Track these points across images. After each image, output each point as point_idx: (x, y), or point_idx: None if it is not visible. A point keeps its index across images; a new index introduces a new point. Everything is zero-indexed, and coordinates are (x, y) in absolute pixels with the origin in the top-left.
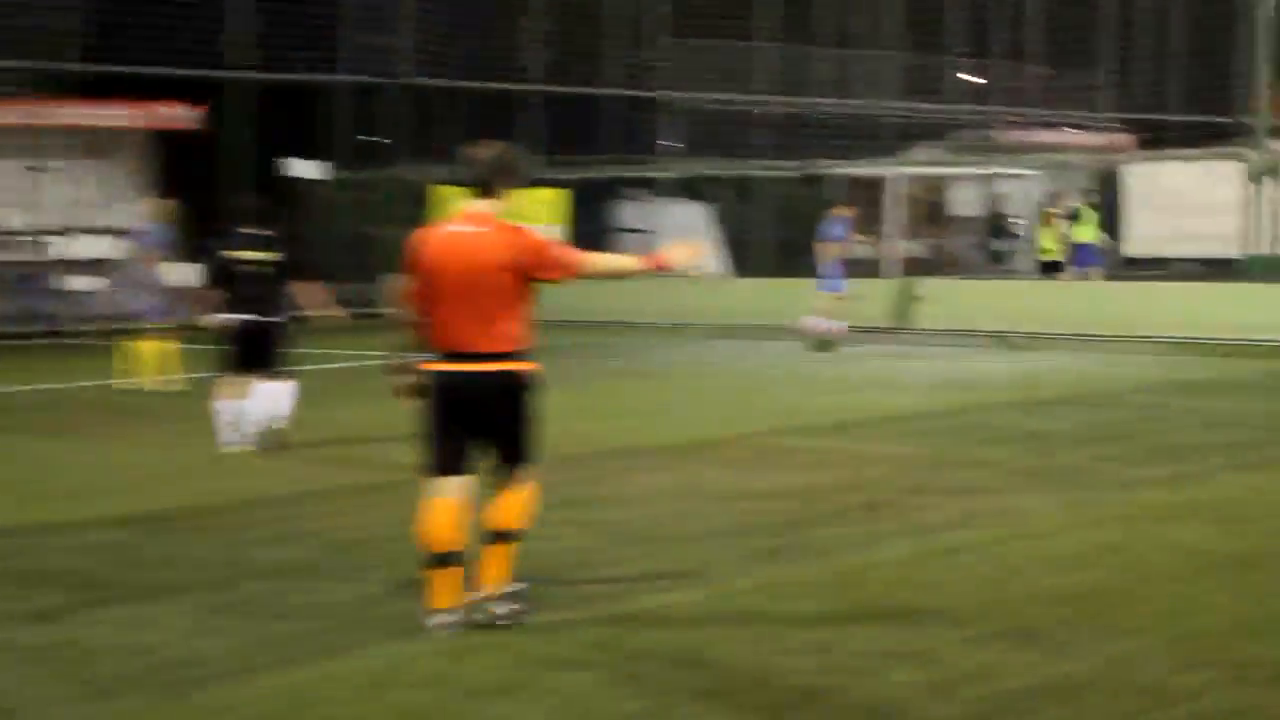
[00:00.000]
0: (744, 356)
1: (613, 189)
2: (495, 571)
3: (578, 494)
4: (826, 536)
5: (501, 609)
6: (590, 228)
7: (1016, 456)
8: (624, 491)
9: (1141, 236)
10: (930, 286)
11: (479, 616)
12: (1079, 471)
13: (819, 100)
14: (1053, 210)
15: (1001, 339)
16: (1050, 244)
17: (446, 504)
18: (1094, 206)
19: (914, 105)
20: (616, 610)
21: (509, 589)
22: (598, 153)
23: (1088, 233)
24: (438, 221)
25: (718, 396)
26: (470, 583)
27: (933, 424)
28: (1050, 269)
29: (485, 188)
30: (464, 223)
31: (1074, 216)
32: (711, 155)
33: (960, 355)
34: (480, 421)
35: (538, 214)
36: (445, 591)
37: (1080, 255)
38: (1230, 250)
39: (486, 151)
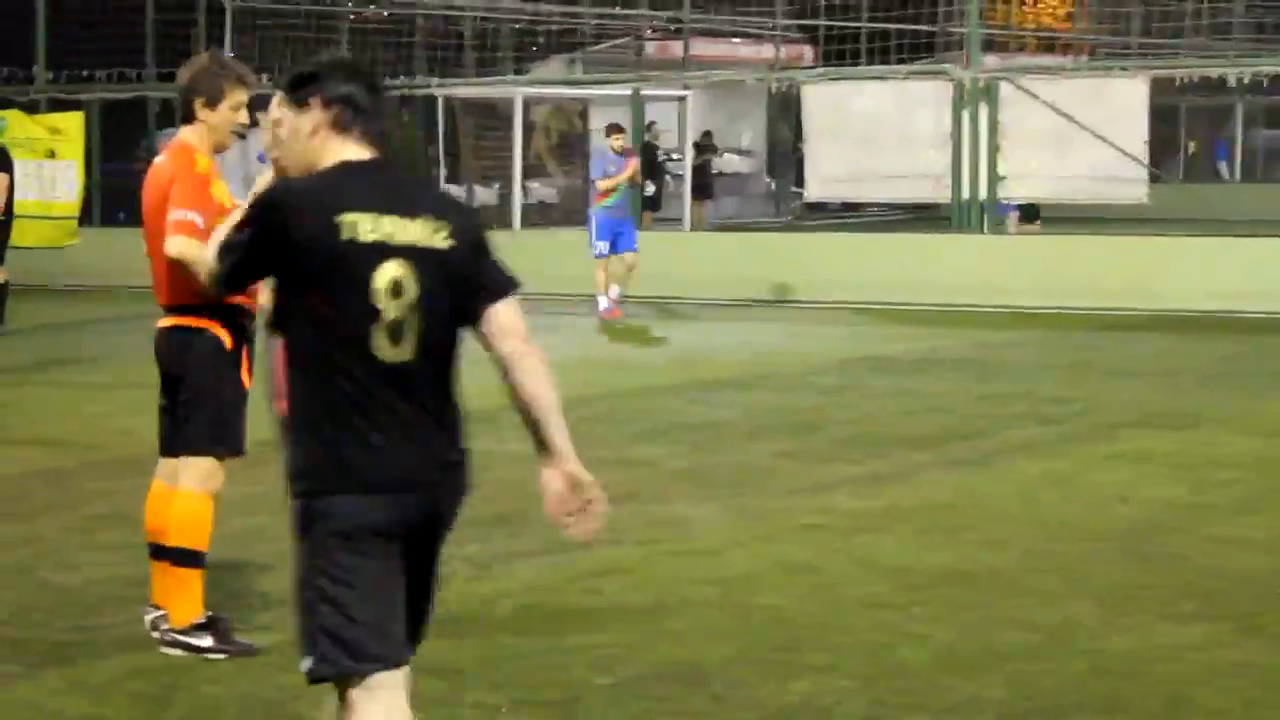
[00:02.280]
0: None
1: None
2: (169, 595)
3: (127, 509)
4: (445, 557)
5: (199, 640)
6: (121, 165)
7: (677, 454)
8: None
9: (826, 176)
10: (567, 240)
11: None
12: (754, 471)
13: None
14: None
15: (659, 306)
16: None
17: (155, 488)
18: None
19: (541, 8)
20: (160, 663)
21: (197, 621)
22: (132, 65)
23: None
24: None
25: None
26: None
27: (571, 414)
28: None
29: (184, 108)
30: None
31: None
32: (284, 68)
33: (607, 327)
34: (164, 388)
35: (47, 145)
36: (154, 586)
37: None
38: (934, 193)
39: (184, 68)
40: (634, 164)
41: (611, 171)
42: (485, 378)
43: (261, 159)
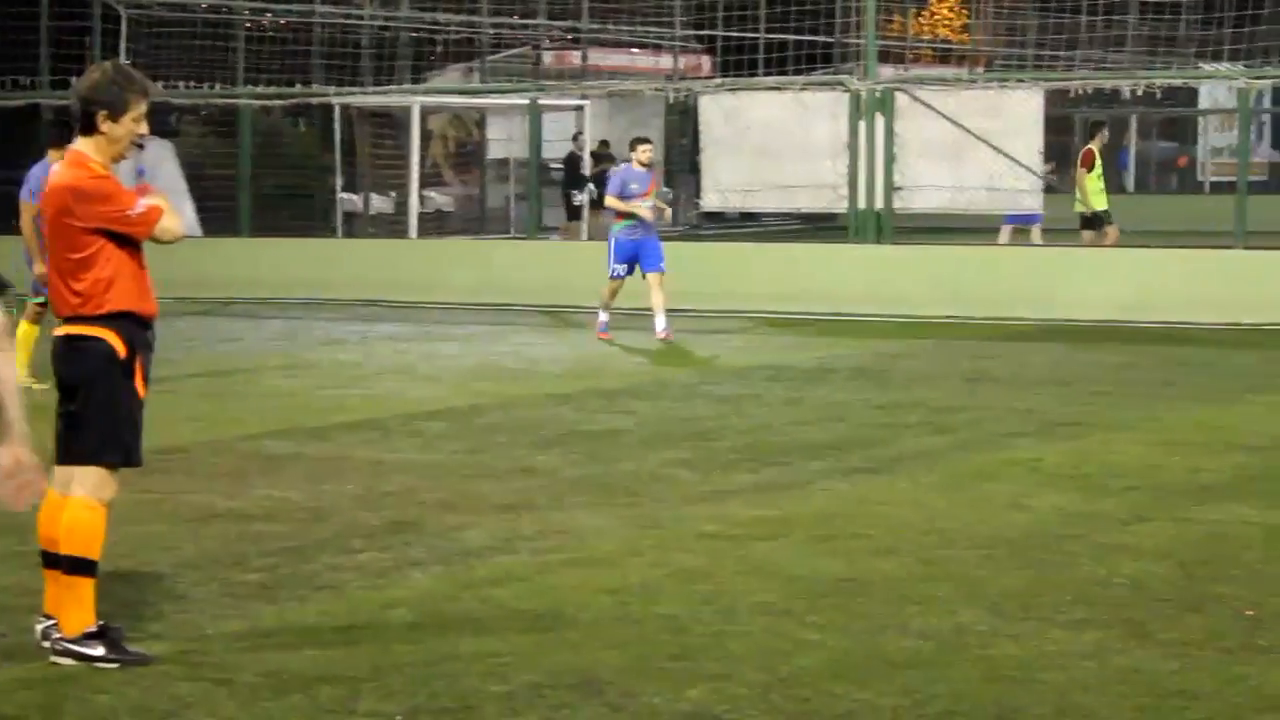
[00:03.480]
0: (229, 338)
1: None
2: (61, 604)
3: (20, 517)
4: (335, 566)
5: (91, 650)
6: (13, 174)
7: (572, 463)
8: None
9: (723, 185)
10: (463, 249)
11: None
12: (648, 480)
13: (319, 8)
14: None
15: (556, 315)
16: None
17: (50, 496)
18: None
19: (439, 17)
20: (52, 673)
21: (89, 630)
22: (25, 72)
23: None
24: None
25: (192, 390)
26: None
27: (467, 423)
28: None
29: (83, 119)
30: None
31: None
32: (179, 76)
33: (504, 335)
34: (62, 397)
35: None
36: (46, 595)
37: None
38: (831, 203)
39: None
40: (656, 182)
41: (634, 190)
42: (371, 388)
43: (142, 173)
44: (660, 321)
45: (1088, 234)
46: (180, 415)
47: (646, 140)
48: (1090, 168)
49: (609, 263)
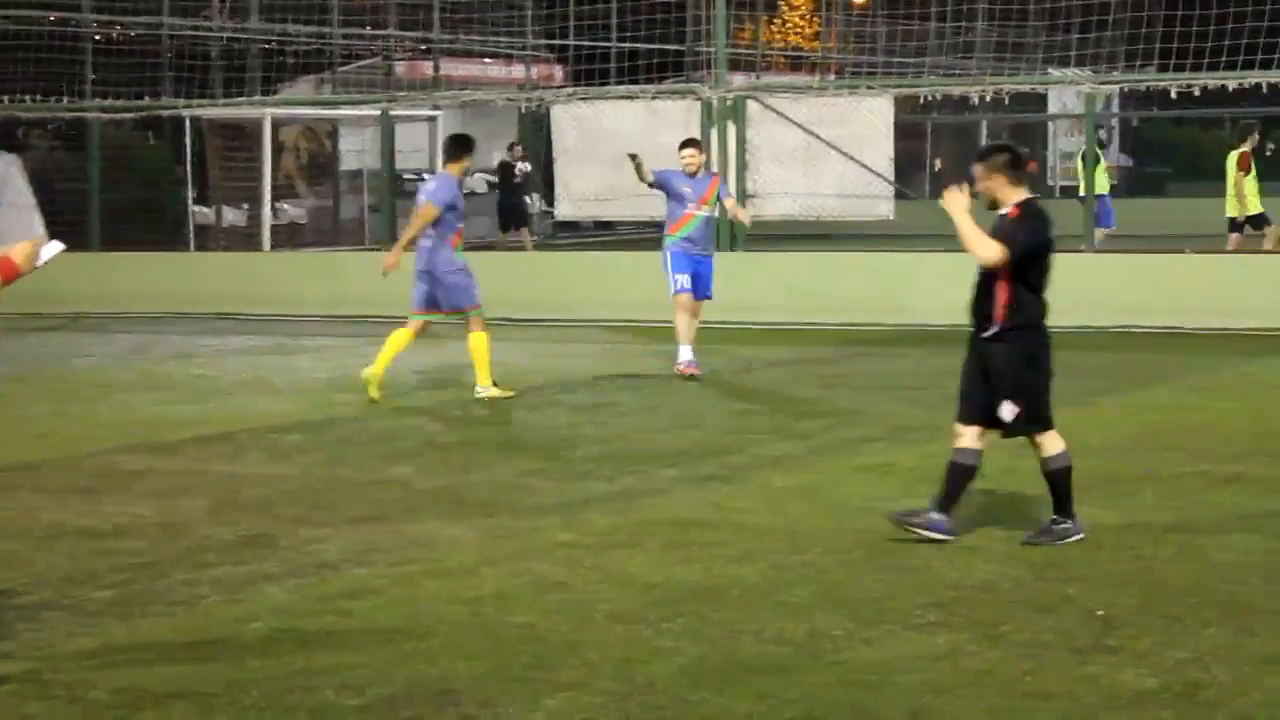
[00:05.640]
0: (80, 354)
1: None
2: None
3: None
4: (189, 582)
5: None
6: None
7: (427, 474)
8: None
9: (576, 195)
10: (316, 261)
11: None
12: (505, 490)
13: (168, 20)
14: None
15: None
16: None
17: None
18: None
19: (290, 28)
20: None
21: None
22: None
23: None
24: None
25: (42, 406)
26: None
27: (321, 435)
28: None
29: None
30: None
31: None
32: (26, 89)
33: (358, 348)
34: None
35: None
36: None
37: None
38: None
39: None
40: (716, 187)
41: (688, 195)
42: (224, 402)
43: None
44: (686, 353)
45: (1235, 237)
46: (30, 432)
47: (692, 142)
48: (1247, 170)
49: (669, 277)
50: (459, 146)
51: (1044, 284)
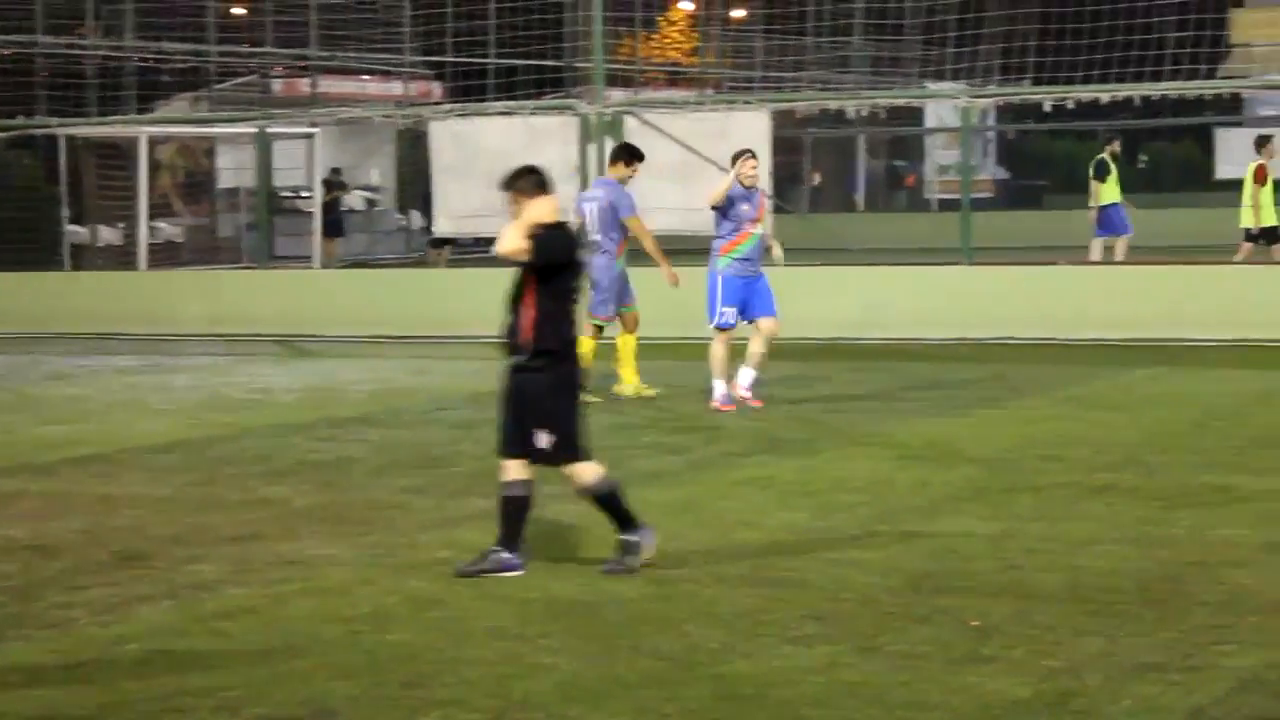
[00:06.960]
0: None
1: None
2: None
3: None
4: (62, 604)
5: None
6: None
7: (303, 492)
8: None
9: (454, 212)
10: (193, 279)
11: None
12: (381, 508)
13: (42, 38)
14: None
15: (288, 344)
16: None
17: None
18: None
19: (165, 46)
20: None
21: None
22: None
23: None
24: None
25: None
26: None
27: (198, 455)
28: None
29: None
30: None
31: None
32: None
33: (236, 366)
34: None
35: None
36: None
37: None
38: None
39: None
40: (765, 205)
41: (747, 212)
42: (100, 423)
43: None
44: (747, 377)
45: (1247, 247)
46: None
47: (747, 152)
48: (1263, 182)
49: (712, 308)
50: (630, 154)
51: (571, 306)
